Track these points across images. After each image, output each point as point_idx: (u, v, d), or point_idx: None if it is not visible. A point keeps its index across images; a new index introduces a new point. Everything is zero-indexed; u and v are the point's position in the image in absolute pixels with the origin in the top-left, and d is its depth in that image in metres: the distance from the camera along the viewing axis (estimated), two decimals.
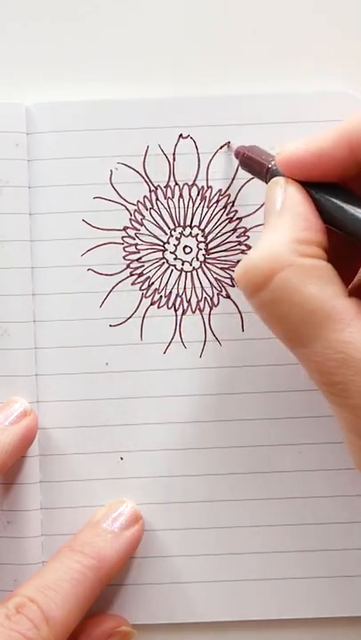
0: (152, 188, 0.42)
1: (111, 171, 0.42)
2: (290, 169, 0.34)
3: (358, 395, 0.31)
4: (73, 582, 0.38)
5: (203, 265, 0.43)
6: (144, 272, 0.43)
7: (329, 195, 0.33)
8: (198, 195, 0.42)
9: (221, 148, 0.42)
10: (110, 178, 0.42)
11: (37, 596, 0.38)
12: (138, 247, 0.43)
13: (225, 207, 0.42)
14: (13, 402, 0.42)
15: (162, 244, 0.43)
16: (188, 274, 0.43)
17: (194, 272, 0.43)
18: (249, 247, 0.42)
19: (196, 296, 0.43)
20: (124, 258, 0.43)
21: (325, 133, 0.33)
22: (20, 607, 0.37)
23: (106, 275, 0.42)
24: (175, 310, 0.42)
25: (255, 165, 0.38)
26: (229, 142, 0.42)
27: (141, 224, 0.42)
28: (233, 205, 0.42)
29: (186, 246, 0.43)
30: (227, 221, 0.43)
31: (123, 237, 0.43)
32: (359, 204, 0.33)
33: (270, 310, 0.32)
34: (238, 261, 0.42)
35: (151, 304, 0.42)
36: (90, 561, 0.39)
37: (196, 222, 0.43)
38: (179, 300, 0.43)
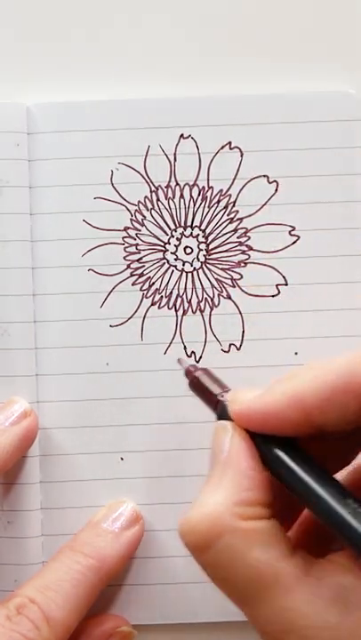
0: (153, 188, 0.42)
1: (112, 171, 0.42)
2: (241, 421, 0.33)
3: None
4: (73, 582, 0.38)
5: (203, 265, 0.43)
6: (145, 272, 0.43)
7: (279, 449, 0.32)
8: (199, 195, 0.42)
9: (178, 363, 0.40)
10: (111, 178, 0.42)
11: (38, 596, 0.38)
12: (138, 247, 0.43)
13: (226, 207, 0.42)
14: (14, 402, 0.42)
15: (163, 244, 0.43)
16: (189, 274, 0.43)
17: (195, 272, 0.43)
18: (250, 248, 0.43)
19: (197, 296, 0.43)
20: (124, 258, 0.42)
21: (276, 393, 0.32)
22: (21, 608, 0.37)
23: (106, 275, 0.42)
24: (176, 311, 0.42)
25: (205, 393, 0.37)
26: (180, 359, 0.40)
27: (142, 224, 0.42)
28: (234, 206, 0.42)
29: (187, 247, 0.43)
30: (228, 222, 0.43)
31: (123, 238, 0.42)
32: (307, 465, 0.32)
33: (214, 572, 0.32)
34: (239, 262, 0.42)
35: (152, 304, 0.42)
36: (90, 561, 0.39)
37: (196, 223, 0.43)
38: (179, 300, 0.42)
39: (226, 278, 0.43)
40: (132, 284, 0.42)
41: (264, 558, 0.31)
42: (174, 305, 0.42)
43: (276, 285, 0.42)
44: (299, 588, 0.30)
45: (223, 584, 0.32)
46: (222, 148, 0.42)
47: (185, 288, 0.43)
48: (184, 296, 0.42)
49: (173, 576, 0.42)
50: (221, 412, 0.35)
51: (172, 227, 0.43)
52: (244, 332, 0.42)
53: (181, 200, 0.42)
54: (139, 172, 0.42)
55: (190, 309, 0.42)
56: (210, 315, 0.42)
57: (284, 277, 0.42)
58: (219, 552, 0.31)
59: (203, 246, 0.43)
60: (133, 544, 0.41)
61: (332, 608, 0.30)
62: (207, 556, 0.31)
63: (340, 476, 0.35)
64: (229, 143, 0.42)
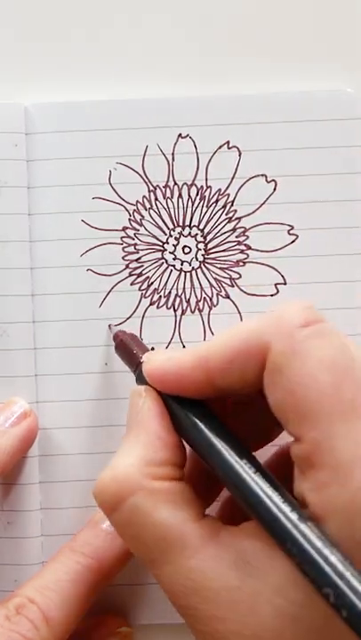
0: (151, 188, 0.42)
1: (110, 171, 0.42)
2: (153, 380, 0.34)
3: (205, 621, 0.31)
4: (73, 583, 0.38)
5: (202, 265, 0.43)
6: (143, 272, 0.43)
7: (187, 411, 0.34)
8: (197, 194, 0.42)
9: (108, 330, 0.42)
10: (109, 178, 0.42)
11: (37, 596, 0.38)
12: (137, 247, 0.43)
13: (224, 207, 0.42)
14: (13, 403, 0.42)
15: (161, 244, 0.43)
16: (188, 274, 0.43)
17: (193, 272, 0.43)
18: (248, 247, 0.42)
19: (196, 296, 0.42)
20: (123, 258, 0.43)
21: (186, 354, 0.34)
22: (20, 608, 0.37)
23: (105, 275, 0.42)
24: (175, 310, 0.42)
25: (128, 355, 0.39)
26: (110, 325, 0.42)
27: (140, 224, 0.42)
28: (232, 205, 0.42)
29: (185, 246, 0.43)
30: (226, 221, 0.42)
31: (122, 237, 0.42)
32: (212, 426, 0.33)
33: (123, 531, 0.33)
34: (238, 261, 0.42)
35: (150, 304, 0.42)
36: (90, 561, 0.39)
37: (195, 222, 0.43)
38: (178, 300, 0.42)
39: (225, 278, 0.42)
40: (131, 284, 0.42)
41: (171, 518, 0.31)
42: (173, 305, 0.42)
43: (275, 285, 0.42)
44: (203, 550, 0.31)
45: (132, 543, 0.33)
46: (220, 147, 0.42)
47: (184, 288, 0.43)
48: (183, 296, 0.42)
49: None
50: (140, 375, 0.36)
51: (171, 226, 0.43)
52: None
53: (180, 200, 0.42)
54: (137, 172, 0.42)
55: (189, 309, 0.42)
56: (209, 314, 0.42)
57: (282, 277, 0.42)
58: (128, 511, 0.32)
59: (201, 246, 0.43)
60: None
61: (234, 571, 0.30)
62: (117, 515, 0.32)
63: (268, 459, 0.36)
64: (227, 142, 0.42)
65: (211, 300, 0.42)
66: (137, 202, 0.42)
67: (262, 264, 0.42)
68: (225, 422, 0.34)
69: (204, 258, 0.43)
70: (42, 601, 0.37)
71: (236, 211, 0.42)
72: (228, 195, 0.42)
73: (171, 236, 0.43)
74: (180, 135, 0.42)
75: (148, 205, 0.42)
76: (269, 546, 0.30)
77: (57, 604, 0.38)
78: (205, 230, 0.43)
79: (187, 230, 0.43)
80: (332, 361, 0.31)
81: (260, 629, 0.30)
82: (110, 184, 0.42)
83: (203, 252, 0.43)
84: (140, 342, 0.40)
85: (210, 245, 0.43)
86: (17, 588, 0.39)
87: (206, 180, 0.42)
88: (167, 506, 0.32)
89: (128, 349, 0.39)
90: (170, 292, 0.43)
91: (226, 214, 0.42)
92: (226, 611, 0.30)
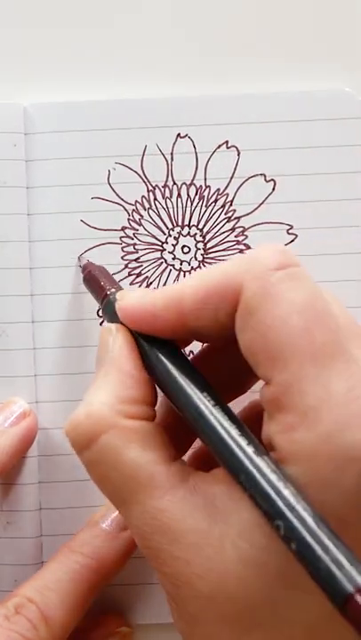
0: (150, 187, 0.42)
1: (109, 171, 0.42)
2: (125, 318, 0.34)
3: (170, 563, 0.31)
4: (72, 583, 0.38)
5: (201, 264, 0.43)
6: (142, 272, 0.43)
7: (157, 350, 0.33)
8: (196, 194, 0.42)
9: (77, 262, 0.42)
10: (108, 178, 0.42)
11: (36, 596, 0.38)
12: (136, 247, 0.43)
13: (223, 206, 0.42)
14: (13, 403, 0.42)
15: (160, 243, 0.43)
16: (187, 273, 0.43)
17: (192, 271, 0.43)
18: (248, 247, 0.42)
19: None
20: (122, 258, 0.43)
21: (160, 294, 0.33)
22: (19, 608, 0.37)
23: None
24: None
25: (96, 287, 0.38)
26: (80, 256, 0.42)
27: (140, 224, 0.42)
28: (231, 205, 0.42)
29: (184, 246, 0.43)
30: (225, 221, 0.42)
31: (121, 237, 0.42)
32: (183, 370, 0.33)
33: (93, 470, 0.33)
34: None
35: None
36: (89, 561, 0.39)
37: (194, 222, 0.43)
38: None
39: None
40: (130, 284, 0.42)
41: (141, 458, 0.31)
42: None
43: None
44: (172, 491, 0.31)
45: (102, 483, 0.33)
46: (219, 147, 0.42)
47: None
48: None
49: None
50: (106, 308, 0.36)
51: (170, 226, 0.43)
52: None
53: (179, 199, 0.42)
54: (136, 172, 0.42)
55: None
56: None
57: None
58: (99, 449, 0.32)
59: (200, 245, 0.43)
60: (133, 544, 0.41)
61: (202, 514, 0.30)
62: (88, 454, 0.32)
63: (239, 412, 0.36)
64: (226, 142, 0.42)
65: None
66: (136, 202, 0.42)
67: None
68: (196, 367, 0.33)
69: (204, 257, 0.43)
70: (41, 601, 0.37)
71: (235, 210, 0.42)
72: (227, 194, 0.42)
73: (170, 235, 0.43)
74: (178, 135, 0.42)
75: (147, 205, 0.42)
76: (234, 490, 0.30)
77: (56, 604, 0.38)
78: (204, 230, 0.43)
79: (186, 230, 0.43)
80: (305, 304, 0.30)
81: (224, 574, 0.30)
82: (109, 184, 0.42)
83: (202, 251, 0.43)
84: (110, 276, 0.39)
85: (209, 245, 0.43)
86: (16, 587, 0.39)
87: (205, 179, 0.42)
88: (138, 445, 0.32)
89: (96, 282, 0.38)
90: None
91: (225, 214, 0.42)
92: (191, 553, 0.30)
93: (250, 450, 0.30)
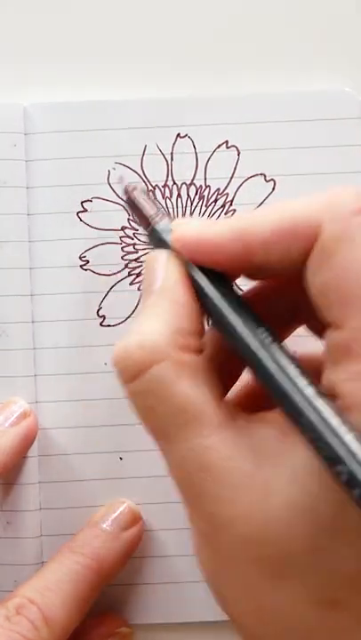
0: (150, 187, 0.42)
1: (109, 171, 0.42)
2: (183, 247, 0.32)
3: (213, 503, 0.30)
4: (72, 583, 0.38)
5: None
6: (142, 272, 0.43)
7: (215, 285, 0.32)
8: (196, 194, 0.42)
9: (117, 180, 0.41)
10: (108, 178, 0.42)
11: (37, 597, 0.38)
12: (136, 247, 0.43)
13: (223, 206, 0.42)
14: (13, 403, 0.42)
15: None
16: None
17: None
18: None
19: None
20: (122, 258, 0.42)
21: (224, 225, 0.32)
22: (20, 608, 0.37)
23: (104, 275, 0.42)
24: None
25: (139, 212, 0.36)
26: (122, 176, 0.41)
27: (139, 224, 0.42)
28: (231, 204, 0.42)
29: None
30: None
31: (121, 237, 0.42)
32: (238, 305, 0.31)
33: (140, 401, 0.31)
34: None
35: None
36: (89, 562, 0.39)
37: None
38: None
39: None
40: (130, 284, 0.42)
41: (192, 393, 0.30)
42: None
43: None
44: (220, 430, 0.30)
45: (147, 416, 0.31)
46: (219, 146, 0.42)
47: None
48: None
49: (173, 576, 0.42)
50: (153, 235, 0.34)
51: None
52: None
53: (179, 199, 0.42)
54: (136, 172, 0.42)
55: None
56: None
57: None
58: (148, 380, 0.30)
59: None
60: (133, 544, 0.41)
61: (250, 457, 0.29)
62: (136, 384, 0.31)
63: None
64: (226, 142, 0.42)
65: None
66: None
67: None
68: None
69: None
70: (42, 601, 0.37)
71: (235, 210, 0.42)
72: (227, 194, 0.42)
73: None
74: (178, 135, 0.42)
75: None
76: (287, 434, 0.29)
77: (57, 605, 0.38)
78: None
79: None
80: None
81: (269, 518, 0.29)
82: (109, 184, 0.42)
83: None
84: (155, 199, 0.38)
85: None
86: (16, 588, 0.39)
87: (205, 179, 0.42)
88: (190, 380, 0.30)
89: (141, 206, 0.36)
90: None
91: (225, 214, 0.42)
92: (237, 494, 0.29)
93: (310, 391, 0.28)
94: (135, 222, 0.37)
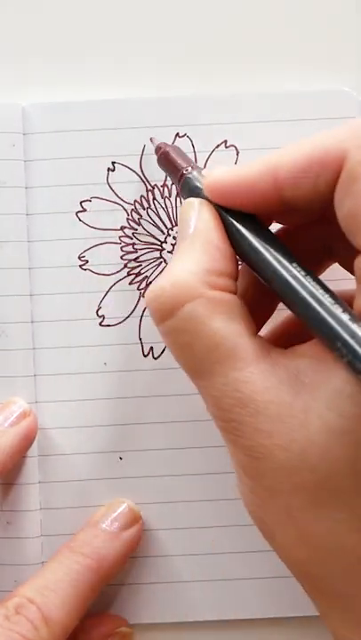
0: (149, 187, 0.42)
1: (108, 170, 0.42)
2: (213, 191, 0.33)
3: (251, 435, 0.30)
4: (72, 583, 0.38)
5: None
6: (142, 271, 0.43)
7: (245, 226, 0.33)
8: None
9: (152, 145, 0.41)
10: (107, 177, 0.42)
11: (36, 596, 0.38)
12: (135, 247, 0.43)
13: None
14: (12, 403, 0.42)
15: (159, 243, 0.43)
16: None
17: None
18: None
19: None
20: (121, 257, 0.42)
21: (254, 163, 0.33)
22: (20, 608, 0.37)
23: (103, 274, 0.42)
24: None
25: (171, 166, 0.38)
26: (152, 138, 0.41)
27: (138, 223, 0.42)
28: None
29: None
30: None
31: (120, 237, 0.42)
32: (271, 244, 0.32)
33: (175, 339, 0.32)
34: None
35: None
36: (89, 562, 0.39)
37: None
38: None
39: None
40: (130, 284, 0.42)
41: (226, 329, 0.31)
42: None
43: None
44: (255, 363, 0.31)
45: (182, 353, 0.32)
46: (218, 146, 0.42)
47: None
48: None
49: (173, 575, 0.42)
50: (185, 186, 0.36)
51: (169, 225, 0.43)
52: None
53: (178, 199, 0.42)
54: (135, 172, 0.42)
55: None
56: None
57: None
58: (183, 318, 0.31)
59: None
60: (132, 544, 0.41)
61: (286, 387, 0.30)
62: (170, 322, 0.32)
63: None
64: (225, 142, 0.42)
65: None
66: (135, 201, 0.42)
67: None
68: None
69: None
70: (41, 601, 0.37)
71: None
72: None
73: (169, 235, 0.43)
74: (177, 134, 0.42)
75: (145, 205, 0.42)
76: (322, 362, 0.30)
77: (56, 605, 0.38)
78: None
79: None
80: None
81: (308, 444, 0.29)
82: (108, 184, 0.42)
83: None
84: (185, 155, 0.39)
85: None
86: (16, 587, 0.39)
87: None
88: (224, 316, 0.31)
89: (172, 161, 0.38)
90: None
91: None
92: (274, 424, 0.30)
93: (345, 317, 0.29)
94: (170, 178, 0.39)
